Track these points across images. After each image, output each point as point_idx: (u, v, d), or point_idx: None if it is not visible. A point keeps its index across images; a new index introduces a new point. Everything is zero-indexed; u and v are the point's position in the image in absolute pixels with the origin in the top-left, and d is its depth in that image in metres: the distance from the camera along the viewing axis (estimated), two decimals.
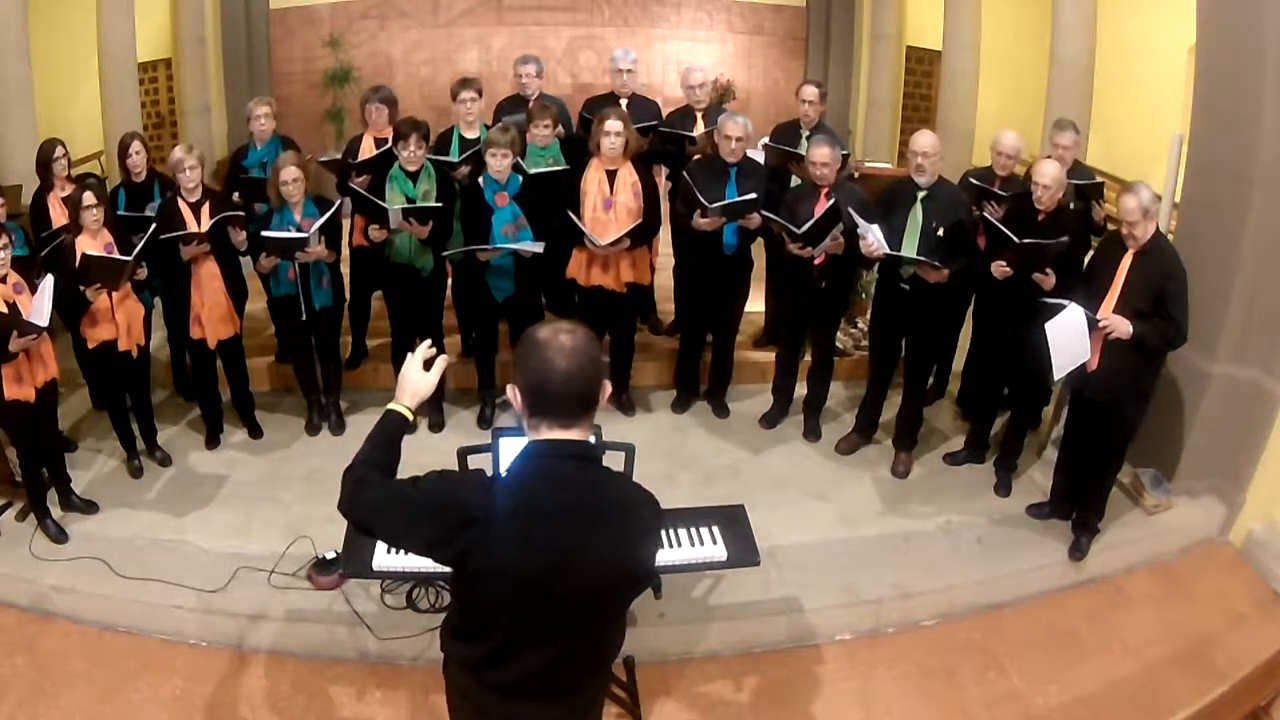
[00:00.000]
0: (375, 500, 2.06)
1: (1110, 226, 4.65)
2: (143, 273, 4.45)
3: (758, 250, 5.20)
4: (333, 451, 4.97)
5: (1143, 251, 3.94)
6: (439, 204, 4.72)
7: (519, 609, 1.97)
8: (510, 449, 2.87)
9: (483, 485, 1.98)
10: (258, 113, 5.22)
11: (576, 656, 2.08)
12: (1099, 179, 4.97)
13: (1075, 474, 4.41)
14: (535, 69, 5.54)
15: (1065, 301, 4.00)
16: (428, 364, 2.21)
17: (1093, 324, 3.96)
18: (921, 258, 4.40)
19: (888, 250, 4.40)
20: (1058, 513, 4.52)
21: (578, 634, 2.03)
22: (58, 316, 4.08)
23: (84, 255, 4.16)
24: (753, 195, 4.70)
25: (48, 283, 3.95)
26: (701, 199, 4.67)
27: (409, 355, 2.23)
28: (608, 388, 1.98)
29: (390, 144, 4.87)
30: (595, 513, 1.96)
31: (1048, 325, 4.02)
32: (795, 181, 5.18)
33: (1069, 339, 3.98)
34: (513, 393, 1.97)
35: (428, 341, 2.28)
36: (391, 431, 2.16)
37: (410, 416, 2.17)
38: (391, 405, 2.18)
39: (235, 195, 5.19)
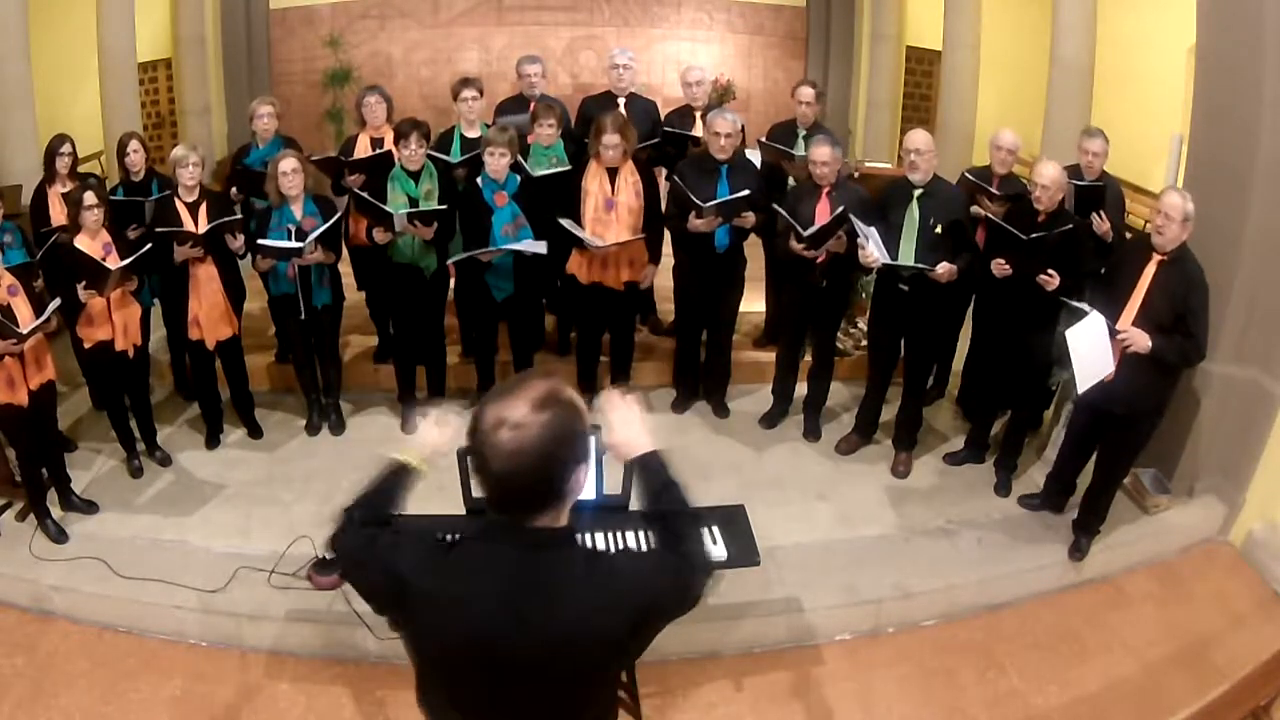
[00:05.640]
0: (344, 548, 1.94)
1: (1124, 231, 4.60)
2: (132, 284, 4.42)
3: (757, 249, 5.19)
4: (333, 452, 4.98)
5: (1168, 262, 3.84)
6: (443, 205, 4.72)
7: (453, 683, 1.83)
8: None
9: (419, 557, 1.79)
10: (261, 112, 5.22)
11: None
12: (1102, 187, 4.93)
13: (1072, 472, 4.44)
14: (541, 69, 5.56)
15: (1087, 307, 3.91)
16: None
17: (1112, 333, 3.88)
18: (920, 265, 4.38)
19: (886, 260, 4.39)
20: (1048, 505, 4.53)
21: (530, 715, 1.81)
22: (58, 315, 4.08)
23: (72, 249, 4.16)
24: (747, 192, 4.68)
25: (53, 305, 3.97)
26: (695, 199, 4.66)
27: (430, 416, 2.15)
28: (582, 475, 1.66)
29: (389, 146, 4.87)
30: (532, 602, 1.68)
31: (1069, 332, 3.95)
32: (791, 182, 5.18)
33: (1090, 347, 3.89)
34: None
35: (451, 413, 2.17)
36: (389, 476, 2.04)
37: (413, 466, 2.05)
38: (399, 454, 2.07)
39: (234, 190, 5.19)
